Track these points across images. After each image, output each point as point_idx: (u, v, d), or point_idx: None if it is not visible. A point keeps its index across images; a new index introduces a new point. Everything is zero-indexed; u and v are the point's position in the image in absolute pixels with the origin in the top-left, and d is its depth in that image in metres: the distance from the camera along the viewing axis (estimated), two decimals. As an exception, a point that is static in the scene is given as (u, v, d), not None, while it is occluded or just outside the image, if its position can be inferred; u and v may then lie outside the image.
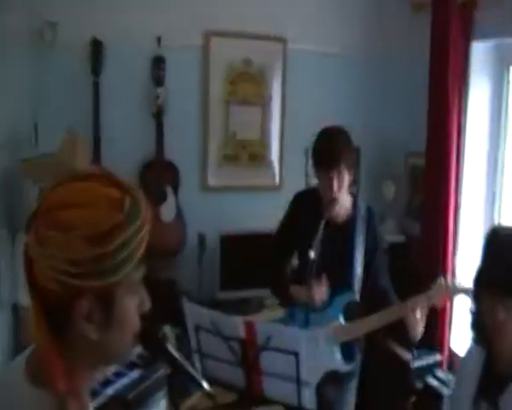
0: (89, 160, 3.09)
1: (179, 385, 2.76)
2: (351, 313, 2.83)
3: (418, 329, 2.61)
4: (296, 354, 2.20)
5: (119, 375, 2.77)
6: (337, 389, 2.91)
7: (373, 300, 2.83)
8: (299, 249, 2.86)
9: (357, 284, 2.81)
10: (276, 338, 2.23)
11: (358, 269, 2.82)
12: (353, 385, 3.02)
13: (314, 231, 2.63)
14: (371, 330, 2.76)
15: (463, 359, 2.33)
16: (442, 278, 2.67)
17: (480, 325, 2.07)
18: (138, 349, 2.98)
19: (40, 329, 1.05)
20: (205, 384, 1.59)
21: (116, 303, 1.08)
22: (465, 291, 2.64)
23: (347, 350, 2.82)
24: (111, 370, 2.77)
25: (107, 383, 2.66)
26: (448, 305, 3.41)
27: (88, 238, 1.00)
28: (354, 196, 2.93)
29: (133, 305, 1.12)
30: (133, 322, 1.13)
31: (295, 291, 2.80)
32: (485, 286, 1.98)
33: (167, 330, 3.00)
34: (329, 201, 2.72)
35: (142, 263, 1.10)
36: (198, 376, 1.57)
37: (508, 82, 3.52)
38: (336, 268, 2.77)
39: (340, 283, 2.79)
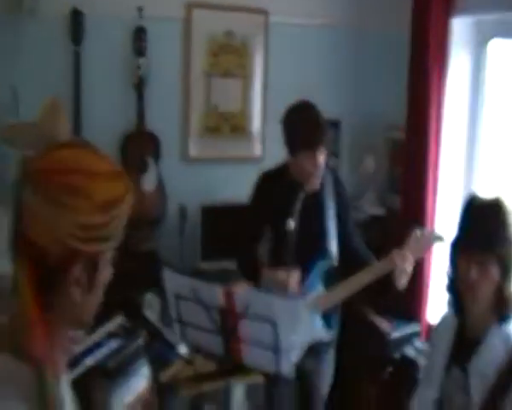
0: (69, 127, 3.08)
1: (159, 355, 2.79)
2: (331, 279, 2.89)
3: (404, 278, 2.67)
4: (274, 323, 2.23)
5: (98, 345, 2.79)
6: (315, 359, 2.96)
7: (347, 261, 2.89)
8: (275, 227, 2.87)
9: (333, 249, 2.86)
10: (255, 306, 2.26)
11: (333, 235, 2.86)
12: (331, 356, 3.08)
13: (289, 205, 2.69)
14: (353, 293, 2.79)
15: (437, 326, 2.41)
16: (416, 230, 2.73)
17: (455, 287, 2.14)
18: (117, 320, 3.01)
19: (27, 295, 1.06)
20: (181, 350, 1.63)
21: (98, 270, 1.13)
22: (439, 238, 2.73)
23: (327, 319, 2.88)
24: (90, 340, 2.80)
25: (86, 353, 2.69)
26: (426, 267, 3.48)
27: (97, 205, 1.07)
28: None
29: (107, 275, 1.18)
30: (101, 290, 1.19)
31: (269, 275, 2.82)
32: (462, 250, 2.05)
33: (151, 297, 3.02)
34: (312, 176, 2.76)
35: (116, 238, 1.15)
36: (174, 341, 1.62)
37: (486, 57, 3.54)
38: (312, 237, 2.81)
39: (316, 251, 2.84)
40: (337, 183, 2.94)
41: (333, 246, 2.86)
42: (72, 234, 1.05)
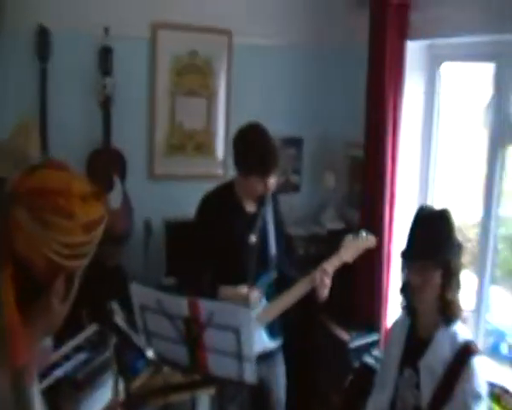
0: (39, 147, 3.12)
1: (127, 365, 2.84)
2: (273, 291, 3.00)
3: (325, 291, 2.80)
4: (237, 331, 2.29)
5: (66, 358, 2.83)
6: (267, 366, 3.04)
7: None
8: (223, 244, 2.91)
9: (273, 261, 2.98)
10: (219, 315, 2.31)
11: (273, 250, 2.99)
12: (280, 357, 3.17)
13: (238, 222, 2.83)
14: (290, 306, 2.90)
15: (391, 327, 2.54)
16: (348, 235, 2.88)
17: (406, 291, 2.29)
18: (85, 333, 3.05)
19: (10, 303, 1.11)
20: (150, 354, 1.71)
21: (73, 283, 1.21)
22: (371, 240, 2.88)
23: (271, 329, 2.99)
24: (59, 353, 2.84)
25: (55, 365, 2.72)
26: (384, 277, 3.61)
27: (80, 226, 1.14)
28: None
29: (77, 283, 1.24)
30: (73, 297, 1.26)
31: (227, 292, 2.86)
32: (407, 258, 2.21)
33: (116, 307, 3.07)
34: (260, 197, 2.87)
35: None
36: (143, 346, 1.69)
37: (439, 79, 3.70)
38: (257, 251, 2.88)
39: (260, 265, 2.92)
40: (275, 201, 3.06)
41: (273, 259, 2.98)
42: (58, 251, 1.11)
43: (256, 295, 2.88)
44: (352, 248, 2.89)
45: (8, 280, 1.11)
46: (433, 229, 2.19)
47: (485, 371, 2.18)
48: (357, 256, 2.94)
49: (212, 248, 2.95)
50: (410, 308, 2.35)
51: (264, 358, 2.94)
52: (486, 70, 3.33)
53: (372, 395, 2.60)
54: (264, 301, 2.96)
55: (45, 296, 1.15)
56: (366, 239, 2.96)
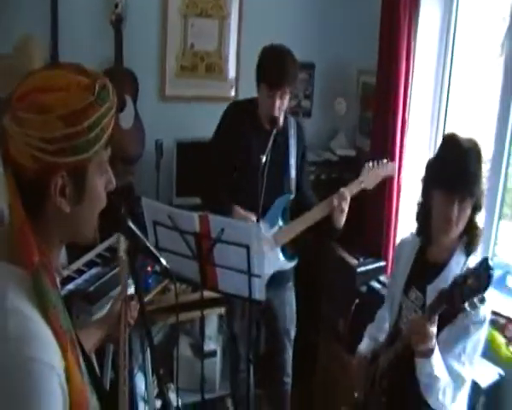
0: (45, 63, 3.11)
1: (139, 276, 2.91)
2: (288, 214, 3.07)
3: (341, 216, 2.85)
4: (247, 247, 2.33)
5: (79, 272, 2.90)
6: (278, 291, 3.13)
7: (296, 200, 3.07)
8: (241, 160, 2.98)
9: (293, 186, 3.04)
10: (229, 231, 2.35)
11: (293, 173, 3.04)
12: (292, 285, 3.26)
13: (256, 139, 2.85)
14: (304, 229, 2.96)
15: (398, 246, 2.56)
16: (368, 163, 2.89)
17: (425, 216, 2.28)
18: (97, 250, 3.10)
19: (15, 205, 1.14)
20: (162, 260, 1.74)
21: (87, 180, 1.19)
22: (392, 168, 2.88)
23: (286, 249, 3.05)
24: (72, 267, 2.90)
25: (68, 279, 2.79)
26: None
27: (62, 118, 1.11)
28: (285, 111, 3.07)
29: (101, 183, 1.24)
30: (101, 199, 1.25)
31: (239, 214, 2.91)
32: (442, 187, 2.15)
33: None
34: (271, 118, 2.88)
35: (109, 144, 1.21)
36: (156, 252, 1.72)
37: (457, 8, 3.61)
38: (275, 174, 2.93)
39: (278, 187, 2.99)
40: (299, 128, 3.10)
41: (292, 183, 3.04)
42: (40, 148, 1.11)
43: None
44: (372, 176, 2.90)
45: (12, 188, 1.14)
46: (470, 161, 2.11)
47: (490, 299, 2.21)
48: (376, 184, 2.95)
49: (228, 162, 3.01)
50: (425, 234, 2.34)
51: (274, 283, 2.98)
52: (504, 2, 3.23)
53: (381, 308, 2.67)
54: (280, 223, 3.00)
55: (49, 198, 1.16)
56: (387, 167, 2.96)
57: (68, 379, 1.11)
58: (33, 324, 1.10)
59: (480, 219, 2.22)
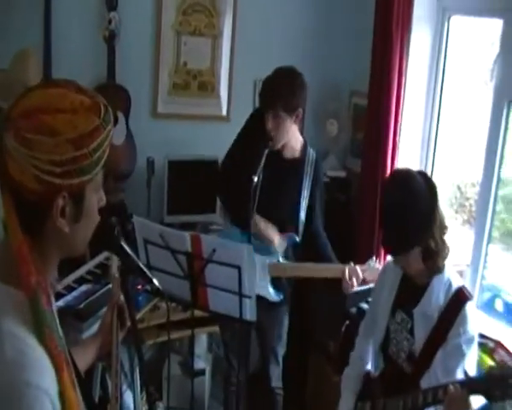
0: (41, 78, 3.10)
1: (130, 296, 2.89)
2: (290, 254, 3.06)
3: (349, 289, 2.87)
4: (239, 268, 2.33)
5: (69, 289, 2.88)
6: (270, 312, 3.09)
7: (307, 241, 3.02)
8: (245, 172, 2.88)
9: (301, 227, 2.99)
10: (221, 251, 2.35)
11: (303, 214, 2.99)
12: (285, 309, 3.22)
13: (258, 157, 2.77)
14: (302, 277, 3.00)
15: (383, 269, 2.57)
16: (374, 259, 2.91)
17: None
18: (87, 266, 3.08)
19: (13, 226, 1.12)
20: (155, 280, 1.73)
21: (85, 199, 1.19)
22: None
23: (278, 283, 3.03)
24: (62, 284, 2.88)
25: (58, 296, 2.77)
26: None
27: (72, 141, 1.11)
28: (305, 142, 3.06)
29: (95, 201, 1.24)
30: (95, 216, 1.26)
31: (260, 224, 2.90)
32: (390, 252, 2.28)
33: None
34: (269, 137, 2.85)
35: (104, 165, 1.21)
36: (148, 272, 1.71)
37: (448, 32, 3.65)
38: (283, 207, 2.94)
39: (284, 223, 2.97)
40: (318, 165, 3.05)
41: (300, 223, 2.99)
42: (48, 170, 1.10)
43: (282, 245, 2.93)
44: (374, 272, 2.85)
45: (10, 208, 1.12)
46: (405, 216, 2.13)
47: (476, 316, 2.23)
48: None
49: (235, 170, 2.97)
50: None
51: (264, 304, 2.96)
52: (494, 27, 3.28)
53: (355, 349, 2.66)
54: (281, 259, 2.99)
55: (51, 218, 1.15)
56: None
57: (63, 402, 1.11)
58: (28, 347, 1.10)
59: (446, 237, 2.23)
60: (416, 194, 2.14)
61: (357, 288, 3.34)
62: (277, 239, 2.93)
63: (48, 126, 1.09)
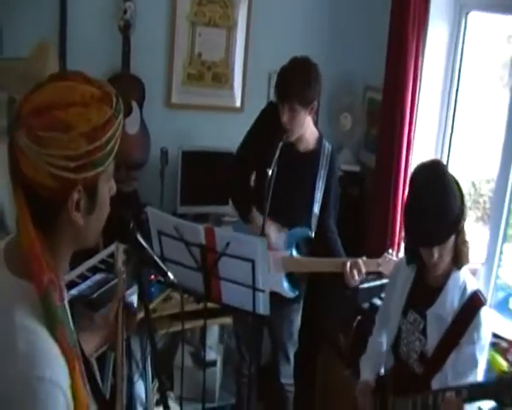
0: (58, 69, 3.11)
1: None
2: (303, 248, 3.03)
3: (352, 282, 2.83)
4: (253, 262, 2.33)
5: (82, 277, 2.89)
6: (282, 308, 3.08)
7: (317, 234, 3.00)
8: (258, 167, 2.91)
9: (314, 221, 2.96)
10: (235, 245, 2.35)
11: (317, 207, 2.96)
12: (298, 307, 3.21)
13: (272, 150, 2.75)
14: (315, 271, 2.95)
15: (396, 268, 2.55)
16: (390, 252, 2.87)
17: (414, 253, 2.28)
18: (100, 255, 3.09)
19: (25, 223, 1.11)
20: (170, 274, 1.73)
21: (98, 191, 1.18)
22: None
23: (292, 278, 3.01)
24: (75, 273, 2.89)
25: (71, 285, 2.78)
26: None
27: (85, 135, 1.10)
28: (320, 134, 3.03)
29: (107, 191, 1.23)
30: (107, 206, 1.25)
31: (255, 217, 2.93)
32: (426, 243, 2.18)
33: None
34: (285, 129, 2.83)
35: (116, 155, 1.20)
36: (163, 265, 1.71)
37: (465, 28, 3.62)
38: (297, 200, 2.92)
39: (298, 216, 2.94)
40: (333, 159, 3.01)
41: (314, 218, 2.96)
42: (63, 166, 1.09)
43: (279, 241, 2.91)
44: (390, 264, 2.82)
45: (22, 205, 1.11)
46: (444, 207, 2.07)
47: (490, 322, 2.21)
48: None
49: (248, 163, 2.98)
50: (416, 264, 2.33)
51: (280, 299, 2.96)
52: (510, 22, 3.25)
53: (373, 334, 2.66)
54: (293, 251, 2.98)
55: (65, 212, 1.14)
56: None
57: (74, 396, 1.11)
58: (41, 341, 1.10)
59: (468, 231, 2.19)
60: (451, 184, 2.10)
61: (367, 283, 3.37)
62: (274, 235, 2.91)
63: (61, 122, 1.08)
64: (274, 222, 2.90)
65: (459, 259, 2.18)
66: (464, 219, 2.13)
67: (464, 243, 2.17)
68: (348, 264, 2.79)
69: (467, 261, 2.21)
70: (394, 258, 2.86)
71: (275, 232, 2.91)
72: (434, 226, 2.08)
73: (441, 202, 2.07)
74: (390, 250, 2.91)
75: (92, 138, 1.10)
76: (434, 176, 2.12)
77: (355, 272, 2.79)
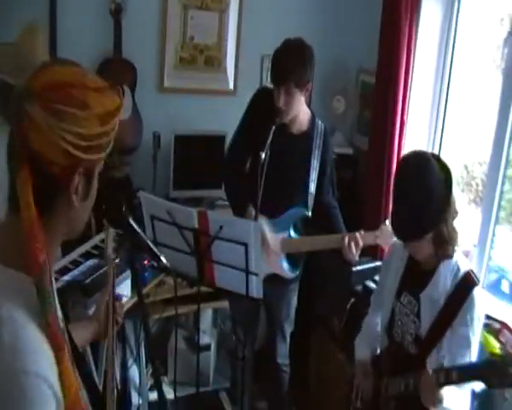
0: (47, 51, 3.07)
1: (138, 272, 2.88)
2: (301, 228, 3.03)
3: (351, 257, 2.83)
4: (246, 245, 2.33)
5: (75, 263, 2.88)
6: (280, 288, 3.11)
7: (318, 213, 3.01)
8: (252, 151, 2.89)
9: (310, 200, 2.97)
10: (228, 228, 2.35)
11: (312, 186, 2.97)
12: (295, 286, 3.23)
13: (266, 133, 2.75)
14: (314, 250, 2.96)
15: (390, 251, 2.57)
16: (387, 223, 2.87)
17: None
18: (93, 241, 3.08)
19: (28, 201, 1.10)
20: (163, 258, 1.73)
21: (94, 178, 1.20)
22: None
23: (293, 259, 3.02)
24: (68, 259, 2.88)
25: (64, 271, 2.77)
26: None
27: (99, 117, 1.13)
28: (313, 114, 3.03)
29: (97, 181, 1.23)
30: (94, 196, 1.25)
31: (250, 214, 2.90)
32: (402, 238, 2.26)
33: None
34: (279, 111, 2.82)
35: None
36: (156, 250, 1.71)
37: (458, 11, 3.60)
38: (292, 181, 2.92)
39: (294, 197, 2.95)
40: (326, 137, 3.02)
41: (310, 197, 2.98)
42: (75, 143, 1.10)
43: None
44: (388, 235, 2.83)
45: (25, 182, 1.10)
46: (420, 205, 2.10)
47: (483, 301, 2.22)
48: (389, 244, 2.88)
49: (242, 149, 2.96)
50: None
51: (277, 280, 2.98)
52: (503, 4, 3.23)
53: (368, 315, 2.67)
54: (290, 232, 2.98)
55: (66, 192, 1.15)
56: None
57: (62, 383, 1.09)
58: (27, 333, 1.08)
59: (456, 221, 2.20)
60: (432, 182, 2.09)
61: (360, 265, 3.37)
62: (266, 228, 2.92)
63: (78, 100, 1.11)
64: (266, 220, 2.91)
65: (445, 251, 2.19)
66: (448, 212, 2.13)
67: (449, 232, 2.16)
68: (346, 238, 2.80)
69: (452, 250, 2.20)
70: (390, 229, 2.86)
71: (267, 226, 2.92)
72: (408, 224, 2.14)
73: (417, 198, 2.10)
74: (387, 221, 2.90)
75: (105, 122, 1.14)
76: (416, 170, 2.13)
77: (353, 246, 2.79)
